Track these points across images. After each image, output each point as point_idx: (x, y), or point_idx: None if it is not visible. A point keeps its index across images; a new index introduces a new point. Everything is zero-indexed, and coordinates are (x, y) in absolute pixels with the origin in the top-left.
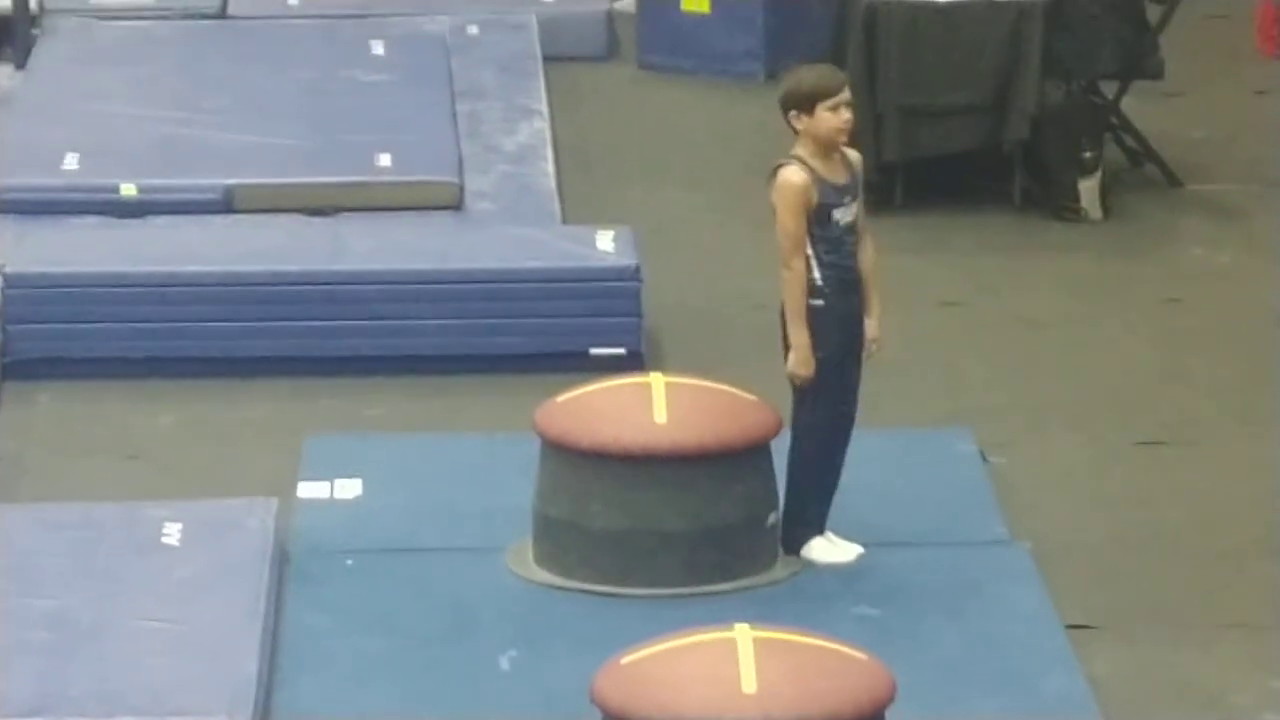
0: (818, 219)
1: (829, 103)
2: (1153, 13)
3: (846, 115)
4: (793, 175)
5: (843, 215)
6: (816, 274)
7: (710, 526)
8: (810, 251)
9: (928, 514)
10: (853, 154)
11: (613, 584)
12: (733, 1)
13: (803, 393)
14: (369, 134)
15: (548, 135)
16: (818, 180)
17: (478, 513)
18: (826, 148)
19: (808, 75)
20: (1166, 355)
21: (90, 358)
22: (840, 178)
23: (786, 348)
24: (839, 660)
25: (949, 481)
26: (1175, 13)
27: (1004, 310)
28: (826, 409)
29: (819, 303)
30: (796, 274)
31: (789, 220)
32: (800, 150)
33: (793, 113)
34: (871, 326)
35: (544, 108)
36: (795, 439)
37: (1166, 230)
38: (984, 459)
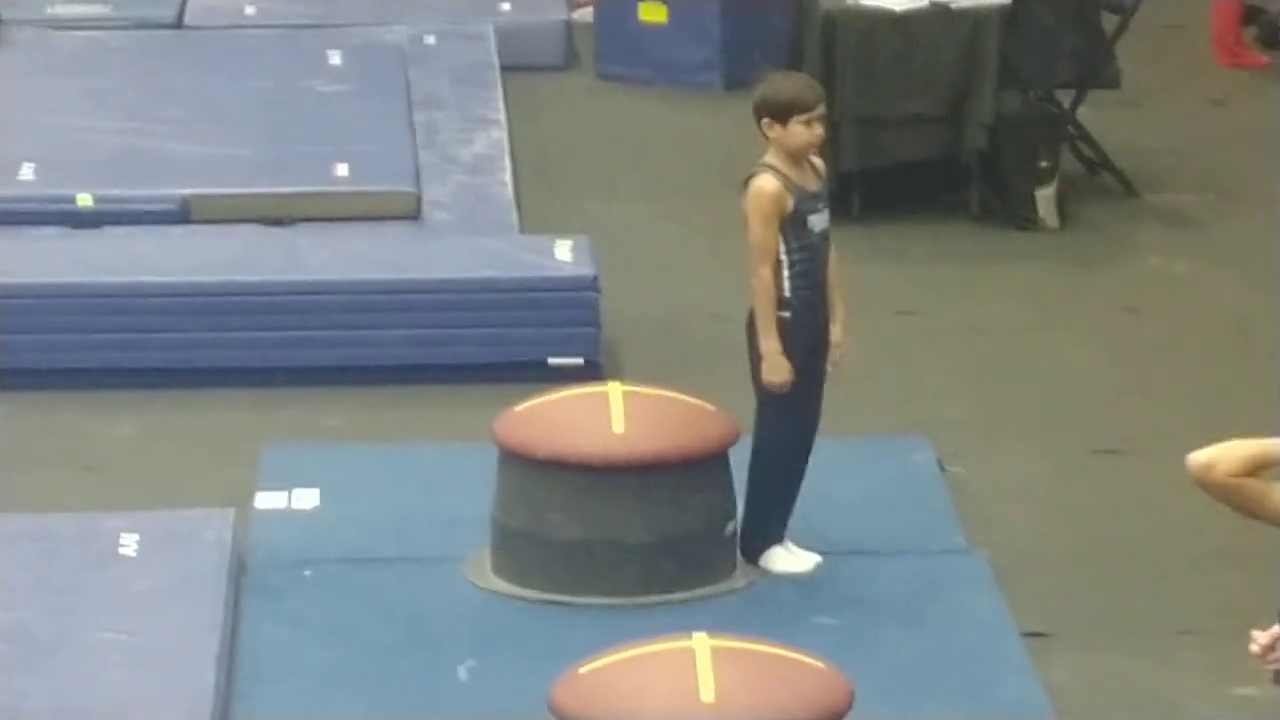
0: (793, 226)
1: (804, 116)
2: (1109, 22)
3: (819, 130)
4: (766, 183)
5: (818, 222)
6: (786, 286)
7: (668, 536)
8: (784, 261)
9: (885, 523)
10: (818, 162)
11: (571, 594)
12: (690, 12)
13: (766, 404)
14: (326, 144)
15: (505, 145)
16: (792, 187)
17: (436, 523)
18: (796, 158)
19: (786, 86)
20: (1123, 364)
21: (47, 368)
22: (812, 184)
23: (752, 357)
24: (797, 669)
25: (907, 491)
26: (1131, 22)
27: (961, 319)
28: (790, 421)
29: (786, 314)
30: (764, 282)
31: (759, 227)
32: (771, 158)
33: (766, 120)
34: (836, 332)
35: (502, 117)
36: (757, 449)
37: (1123, 240)
38: (941, 468)
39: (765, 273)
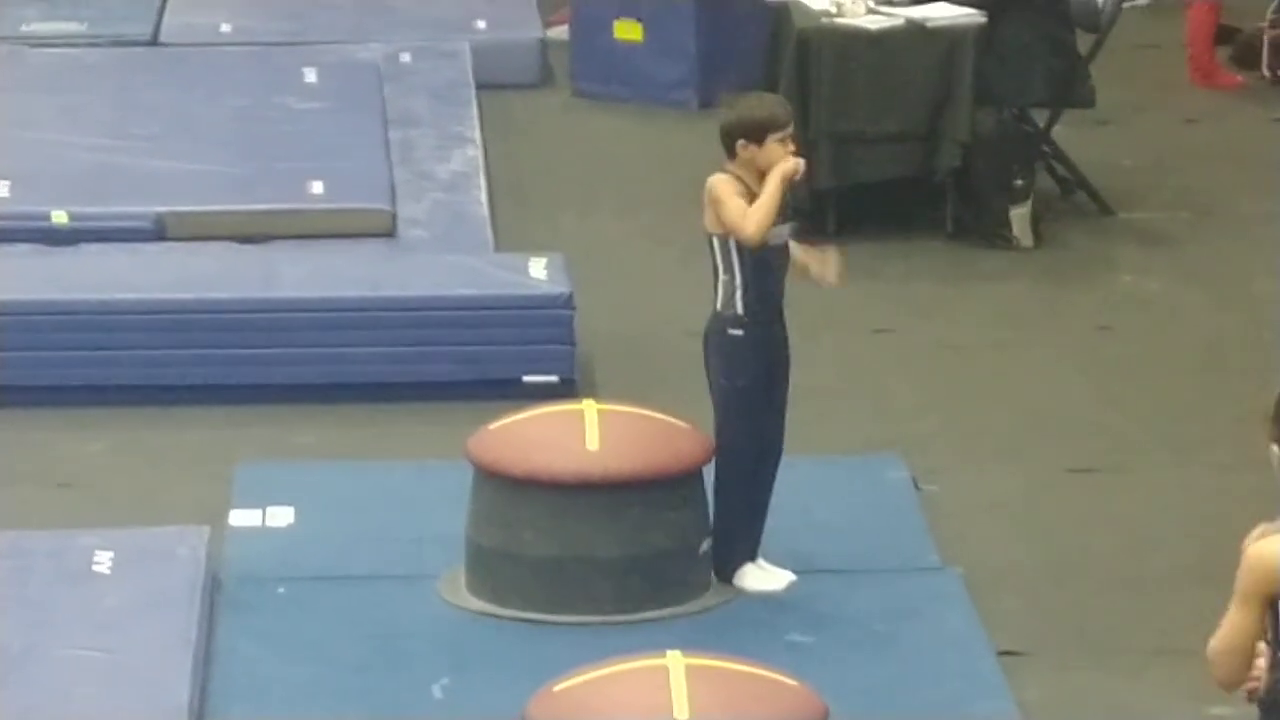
0: None
1: (779, 135)
2: (1084, 41)
3: (792, 148)
4: (721, 177)
5: (776, 235)
6: (740, 304)
7: (642, 554)
8: (737, 279)
9: (859, 541)
10: None
11: (545, 612)
12: (666, 30)
13: (726, 415)
14: (301, 161)
15: (480, 163)
16: (753, 199)
17: (410, 540)
18: (764, 177)
19: (760, 106)
20: (1097, 382)
21: (21, 385)
22: None
23: (709, 369)
24: (771, 687)
25: (880, 508)
26: (1106, 42)
27: (935, 337)
28: (750, 435)
29: (739, 332)
30: (754, 222)
31: (729, 205)
32: (737, 170)
33: (740, 141)
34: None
35: (477, 135)
36: (720, 465)
37: (1097, 258)
38: (915, 486)
39: (751, 221)
